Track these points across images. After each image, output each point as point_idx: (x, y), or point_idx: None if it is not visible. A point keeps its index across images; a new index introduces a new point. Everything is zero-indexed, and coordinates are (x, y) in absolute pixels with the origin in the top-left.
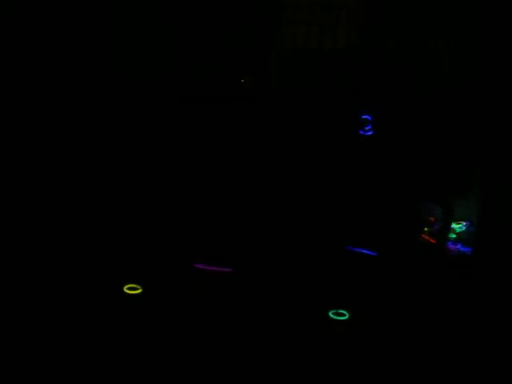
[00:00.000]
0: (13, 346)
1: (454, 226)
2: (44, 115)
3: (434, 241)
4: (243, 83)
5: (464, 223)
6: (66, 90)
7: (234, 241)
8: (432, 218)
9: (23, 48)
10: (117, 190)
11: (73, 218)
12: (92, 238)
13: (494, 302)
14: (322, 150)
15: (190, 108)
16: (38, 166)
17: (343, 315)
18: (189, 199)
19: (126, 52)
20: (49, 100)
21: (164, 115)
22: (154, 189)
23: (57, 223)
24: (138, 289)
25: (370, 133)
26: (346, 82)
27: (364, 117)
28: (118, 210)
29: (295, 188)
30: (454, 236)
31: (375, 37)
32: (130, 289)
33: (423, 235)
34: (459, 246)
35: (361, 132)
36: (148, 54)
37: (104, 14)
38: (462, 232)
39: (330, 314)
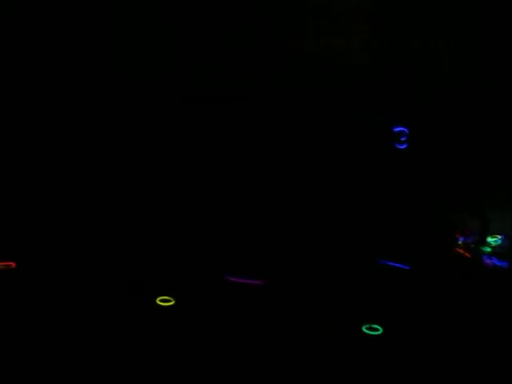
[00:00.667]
0: (39, 354)
1: (489, 239)
2: (44, 115)
3: (468, 254)
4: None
5: (499, 237)
6: (66, 90)
7: (264, 253)
8: (467, 231)
9: (23, 48)
10: (136, 195)
11: (92, 227)
12: (123, 250)
13: None
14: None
15: (190, 108)
16: (39, 167)
17: (377, 330)
18: (211, 207)
19: (126, 52)
20: (49, 100)
21: (164, 115)
22: (172, 196)
23: (78, 231)
24: (170, 301)
25: (404, 146)
26: (348, 84)
27: (399, 129)
28: (140, 219)
29: (322, 197)
30: (490, 250)
31: (377, 40)
32: (162, 301)
33: (457, 248)
34: (494, 260)
35: (396, 145)
36: (148, 53)
37: (104, 13)
38: (498, 246)
39: (364, 329)
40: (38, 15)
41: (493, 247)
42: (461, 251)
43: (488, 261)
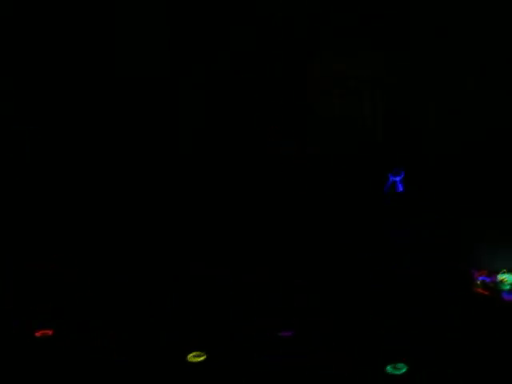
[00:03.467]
0: None
1: (507, 276)
2: (43, 114)
3: (487, 292)
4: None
5: None
6: (66, 89)
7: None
8: (484, 271)
9: (24, 47)
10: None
11: None
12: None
13: None
14: None
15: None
16: (39, 164)
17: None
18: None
19: (127, 52)
20: (49, 99)
21: (164, 115)
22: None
23: None
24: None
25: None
26: None
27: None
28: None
29: None
30: (508, 287)
31: None
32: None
33: (476, 288)
34: None
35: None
36: (148, 53)
37: (104, 14)
38: None
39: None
40: (38, 15)
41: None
42: (480, 290)
43: (507, 297)
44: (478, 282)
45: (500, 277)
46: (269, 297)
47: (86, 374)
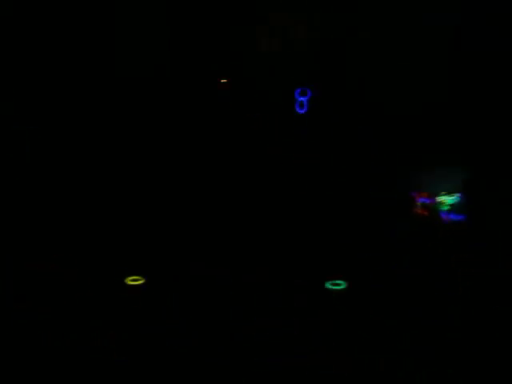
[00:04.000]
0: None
1: (446, 197)
2: (43, 114)
3: (427, 213)
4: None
5: (455, 195)
6: (67, 90)
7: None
8: (424, 193)
9: (23, 48)
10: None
11: None
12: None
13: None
14: None
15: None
16: (39, 165)
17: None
18: None
19: (126, 52)
20: (49, 99)
21: (163, 115)
22: None
23: None
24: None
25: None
26: None
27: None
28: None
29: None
30: (447, 207)
31: None
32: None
33: (417, 209)
34: (452, 216)
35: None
36: (148, 54)
37: (104, 15)
38: (454, 203)
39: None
40: (38, 15)
41: (450, 205)
42: (420, 211)
43: (446, 217)
44: (419, 204)
45: (439, 198)
46: (269, 297)
47: (85, 374)
